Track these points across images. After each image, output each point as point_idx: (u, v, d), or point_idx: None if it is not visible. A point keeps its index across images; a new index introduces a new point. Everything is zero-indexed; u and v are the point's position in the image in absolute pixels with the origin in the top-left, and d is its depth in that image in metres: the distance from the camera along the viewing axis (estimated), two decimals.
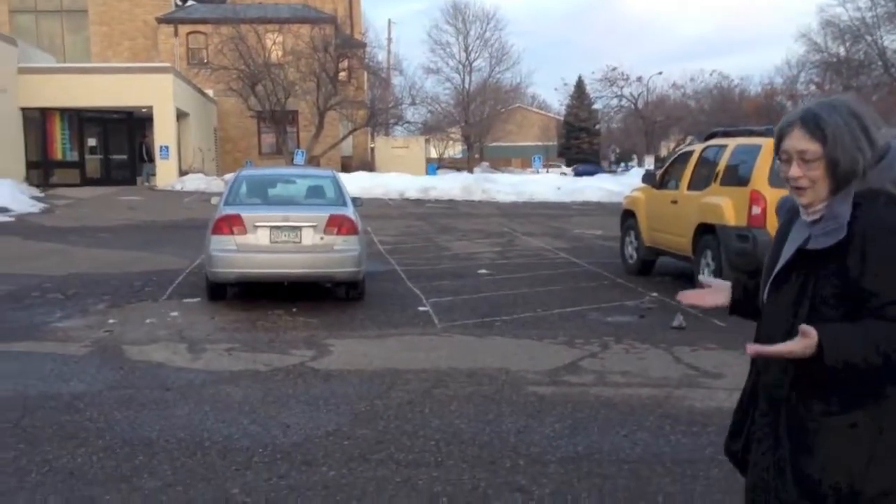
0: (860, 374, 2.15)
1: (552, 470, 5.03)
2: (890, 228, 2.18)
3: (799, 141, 2.29)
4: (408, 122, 46.95)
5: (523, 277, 12.73)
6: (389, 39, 63.82)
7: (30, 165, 30.39)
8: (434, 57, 61.72)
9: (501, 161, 75.19)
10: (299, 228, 9.97)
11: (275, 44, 38.54)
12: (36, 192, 27.08)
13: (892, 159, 2.29)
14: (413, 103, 45.33)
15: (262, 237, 9.92)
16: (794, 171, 2.30)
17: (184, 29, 42.29)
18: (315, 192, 11.32)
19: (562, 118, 78.25)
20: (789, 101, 56.04)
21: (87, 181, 31.40)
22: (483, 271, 13.34)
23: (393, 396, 6.53)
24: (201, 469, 4.97)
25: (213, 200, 11.39)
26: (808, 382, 2.26)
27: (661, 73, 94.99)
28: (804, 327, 2.15)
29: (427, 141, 73.47)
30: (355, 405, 6.29)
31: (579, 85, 71.37)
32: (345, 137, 41.40)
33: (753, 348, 2.22)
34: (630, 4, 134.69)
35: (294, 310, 10.05)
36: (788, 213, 2.49)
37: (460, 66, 61.41)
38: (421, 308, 10.33)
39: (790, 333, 2.27)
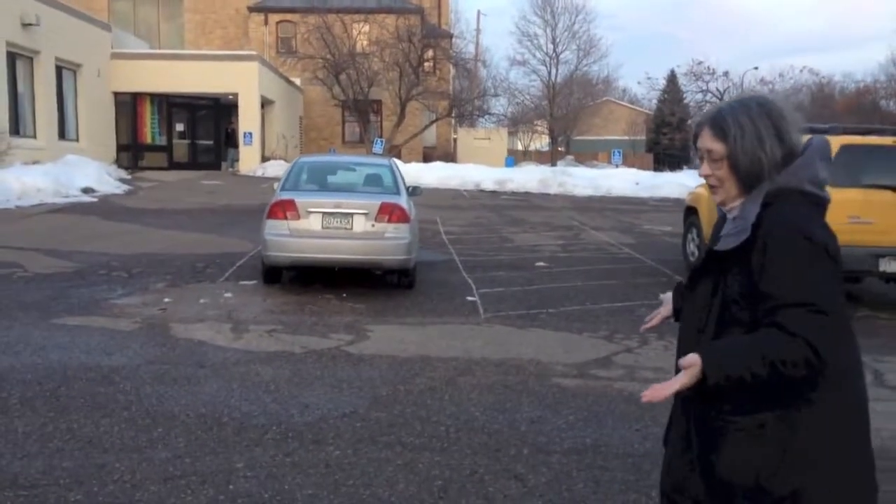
0: (753, 384, 2.12)
1: (555, 460, 5.04)
2: (787, 228, 2.16)
3: (706, 140, 2.34)
4: (490, 114, 46.89)
5: (580, 271, 12.67)
6: (478, 30, 63.77)
7: (120, 148, 31.44)
8: (521, 48, 61.28)
9: (588, 155, 74.44)
10: (351, 215, 10.13)
11: (360, 33, 38.97)
12: (124, 174, 28.04)
13: (809, 157, 2.27)
14: (495, 95, 45.21)
15: (314, 223, 10.11)
16: (704, 169, 2.35)
17: (273, 18, 43.11)
18: (370, 180, 11.47)
19: (651, 112, 77.04)
20: (892, 101, 54.14)
21: (174, 165, 32.35)
22: (541, 264, 13.32)
23: (417, 382, 6.62)
24: (213, 443, 5.15)
25: (274, 186, 11.65)
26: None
27: (756, 69, 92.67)
28: (682, 360, 2.16)
29: (513, 133, 73.39)
30: (378, 389, 6.40)
31: (671, 79, 70.07)
32: (425, 128, 41.62)
33: (647, 396, 2.21)
34: (726, 1, 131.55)
35: (344, 295, 10.23)
36: (721, 212, 2.48)
37: (547, 58, 60.79)
38: (469, 298, 10.39)
39: (702, 332, 2.28)
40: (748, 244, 2.19)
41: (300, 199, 10.23)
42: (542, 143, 74.83)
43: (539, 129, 68.95)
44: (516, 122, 66.71)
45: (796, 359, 2.07)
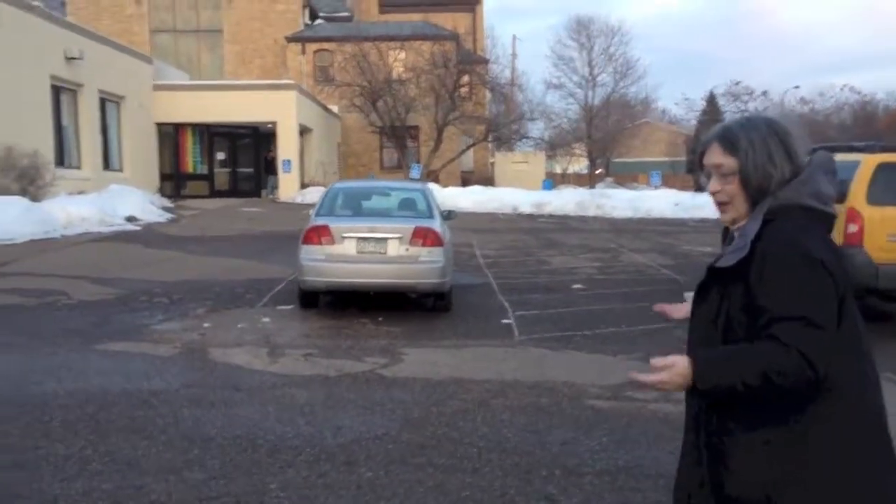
0: (745, 395, 2.14)
1: (586, 481, 5.05)
2: (784, 244, 2.18)
3: (715, 156, 2.35)
4: (526, 138, 47.00)
5: (617, 293, 12.63)
6: (514, 55, 64.08)
7: (163, 177, 31.99)
8: (557, 72, 61.42)
9: (628, 177, 74.16)
10: (385, 240, 10.23)
11: (396, 60, 39.36)
12: (167, 202, 28.51)
13: (810, 173, 2.29)
14: (532, 119, 45.33)
15: (349, 247, 10.23)
16: (713, 185, 2.36)
17: (311, 47, 43.67)
18: (404, 205, 11.58)
19: (691, 133, 76.64)
20: None
21: (215, 193, 32.81)
22: (577, 286, 13.31)
23: (449, 404, 6.66)
24: (248, 464, 5.23)
25: (310, 212, 11.80)
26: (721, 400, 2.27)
27: (797, 87, 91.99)
28: (664, 359, 2.18)
29: (551, 157, 73.38)
30: (410, 411, 6.45)
31: (710, 99, 69.70)
32: (462, 153, 41.82)
33: (633, 375, 2.27)
34: (765, 18, 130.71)
35: (380, 319, 10.31)
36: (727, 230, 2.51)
37: (584, 81, 60.89)
38: (504, 321, 10.42)
39: (708, 341, 2.30)
40: (748, 260, 2.21)
41: (335, 225, 10.36)
42: (580, 165, 74.75)
43: (577, 152, 68.92)
44: (554, 146, 66.79)
45: (788, 369, 2.09)
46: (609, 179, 65.97)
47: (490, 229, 23.11)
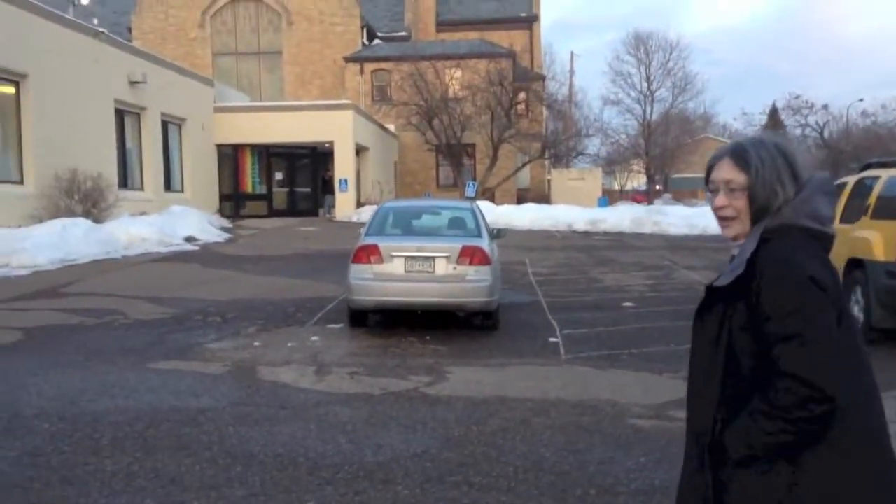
0: (782, 441, 2.19)
1: (621, 501, 5.05)
2: (778, 262, 2.20)
3: (726, 171, 2.39)
4: (582, 154, 46.86)
5: (668, 311, 12.53)
6: (571, 71, 64.08)
7: (223, 198, 32.65)
8: (614, 88, 61.24)
9: (687, 193, 73.49)
10: (433, 258, 10.32)
11: (452, 79, 39.63)
12: (225, 222, 29.06)
13: (809, 193, 2.32)
14: (588, 135, 45.21)
15: (397, 266, 10.34)
16: (720, 200, 2.39)
17: (369, 67, 44.22)
18: (452, 224, 11.66)
19: None
20: None
21: (273, 212, 33.36)
22: (628, 304, 13.24)
23: (490, 423, 6.70)
24: (287, 482, 5.33)
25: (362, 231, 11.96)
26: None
27: (861, 100, 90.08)
28: None
29: (609, 173, 72.96)
30: (451, 430, 6.50)
31: (772, 114, 68.74)
32: (518, 170, 41.87)
33: None
34: (825, 31, 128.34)
35: (427, 337, 10.39)
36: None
37: (641, 97, 60.56)
38: (552, 339, 10.42)
39: (709, 372, 2.32)
40: (746, 279, 2.24)
41: (383, 244, 10.48)
42: (639, 182, 74.23)
43: (636, 168, 68.44)
44: (612, 162, 66.41)
45: (795, 400, 2.11)
46: (667, 196, 65.45)
47: (543, 247, 23.08)
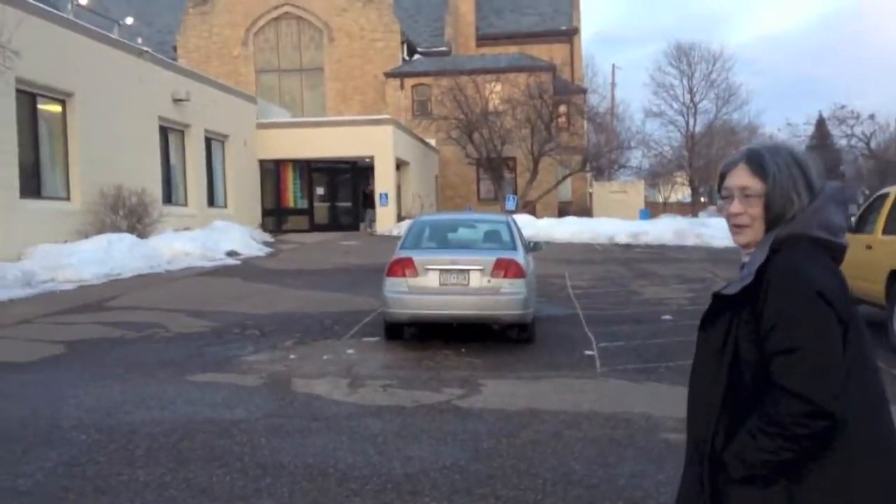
0: (783, 458, 2.16)
1: None
2: (785, 273, 2.18)
3: (742, 178, 2.35)
4: (623, 167, 46.60)
5: None
6: (613, 84, 63.88)
7: (265, 213, 32.99)
8: (657, 100, 60.83)
9: None
10: (467, 271, 10.33)
11: (492, 93, 39.70)
12: (267, 237, 29.36)
13: (822, 202, 2.29)
14: (629, 147, 44.97)
15: (431, 279, 10.37)
16: (735, 206, 2.36)
17: (409, 82, 44.46)
18: (487, 237, 11.68)
19: None
20: None
21: (315, 227, 33.62)
22: (667, 317, 13.12)
23: (522, 436, 6.68)
24: (315, 493, 5.36)
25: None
26: (739, 427, 2.26)
27: None
28: None
29: (653, 186, 72.41)
30: (481, 442, 6.49)
31: (819, 124, 67.77)
32: (558, 183, 41.77)
33: None
34: (871, 40, 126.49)
35: (462, 350, 10.39)
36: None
37: (684, 108, 60.08)
38: (588, 352, 10.37)
39: (712, 381, 2.29)
40: (754, 289, 2.22)
41: (418, 257, 10.52)
42: (683, 194, 73.58)
43: (679, 180, 67.86)
44: (655, 175, 65.94)
45: (793, 416, 2.09)
46: (712, 208, 64.70)
47: (584, 260, 22.97)
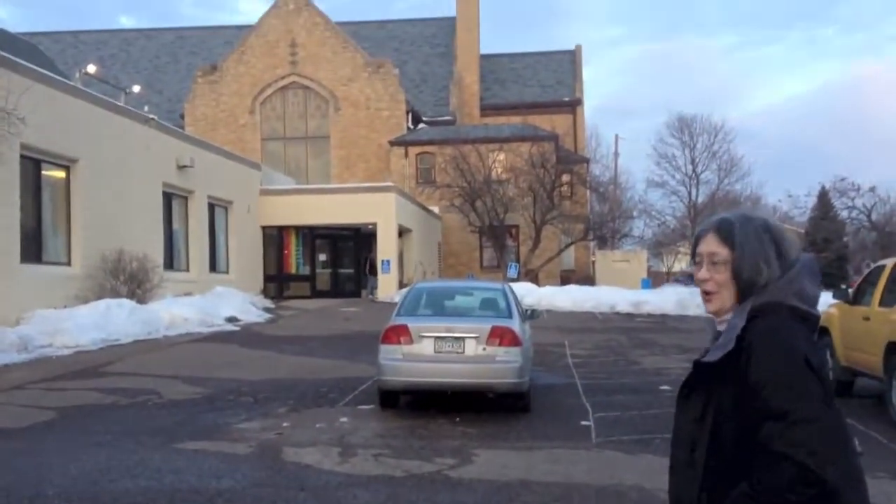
0: None
1: None
2: (769, 340, 2.19)
3: (710, 244, 2.38)
4: (626, 236, 46.72)
5: None
6: (616, 154, 64.35)
7: (267, 279, 33.00)
8: (659, 170, 61.20)
9: None
10: (462, 339, 10.28)
11: (495, 161, 40.05)
12: (269, 303, 29.32)
13: (797, 272, 2.30)
14: (631, 217, 45.15)
15: (426, 347, 10.31)
16: (703, 273, 2.37)
17: (413, 150, 44.92)
18: (483, 305, 11.64)
19: (803, 230, 74.73)
20: None
21: (316, 293, 33.58)
22: (665, 388, 12.98)
23: None
24: None
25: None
26: (722, 491, 2.21)
27: None
28: None
29: (657, 255, 72.45)
30: None
31: (822, 195, 68.03)
32: (561, 251, 41.87)
33: None
34: (872, 113, 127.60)
35: (457, 419, 10.28)
36: (712, 325, 2.49)
37: (687, 179, 60.40)
38: (584, 422, 10.24)
39: (693, 447, 2.27)
40: (734, 356, 2.20)
41: (413, 324, 10.48)
42: (686, 264, 73.61)
43: (683, 250, 67.95)
44: (658, 244, 66.01)
45: (786, 482, 2.06)
46: None
47: (584, 328, 22.88)
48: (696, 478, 2.27)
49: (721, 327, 2.36)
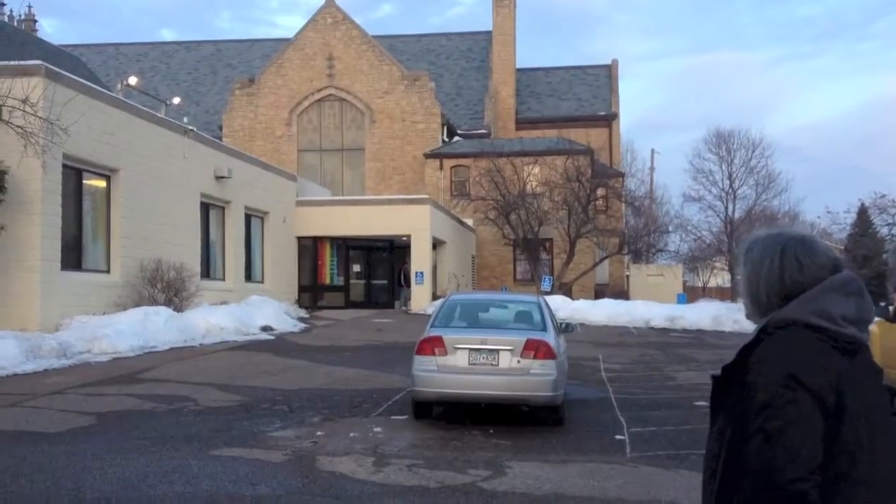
0: None
1: None
2: (763, 358, 2.20)
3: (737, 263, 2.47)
4: (661, 251, 46.41)
5: None
6: (652, 168, 64.04)
7: (301, 289, 33.20)
8: (696, 185, 60.76)
9: None
10: (497, 351, 10.28)
11: (530, 175, 40.01)
12: (303, 313, 29.49)
13: (820, 290, 2.29)
14: (667, 231, 44.86)
15: (461, 359, 10.32)
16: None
17: (448, 163, 45.00)
18: (518, 317, 11.63)
19: (842, 247, 73.75)
20: None
21: (350, 304, 33.73)
22: (701, 403, 12.85)
23: None
24: None
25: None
26: None
27: None
28: None
29: (692, 270, 71.88)
30: None
31: (861, 213, 67.12)
32: (595, 265, 41.68)
33: None
34: None
35: (491, 431, 10.27)
36: None
37: (723, 194, 59.92)
38: (618, 436, 10.19)
39: (718, 458, 2.28)
40: (736, 370, 2.25)
41: (448, 336, 10.50)
42: (722, 279, 72.95)
43: (719, 265, 67.36)
44: (694, 259, 65.52)
45: (753, 500, 2.10)
46: None
47: (618, 343, 22.76)
48: (713, 491, 2.30)
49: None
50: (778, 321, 2.27)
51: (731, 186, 60.43)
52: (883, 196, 48.28)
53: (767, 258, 2.35)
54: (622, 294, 43.68)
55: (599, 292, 42.60)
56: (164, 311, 19.50)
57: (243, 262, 28.26)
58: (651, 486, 7.78)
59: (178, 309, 20.76)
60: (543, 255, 41.88)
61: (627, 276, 49.95)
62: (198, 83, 55.75)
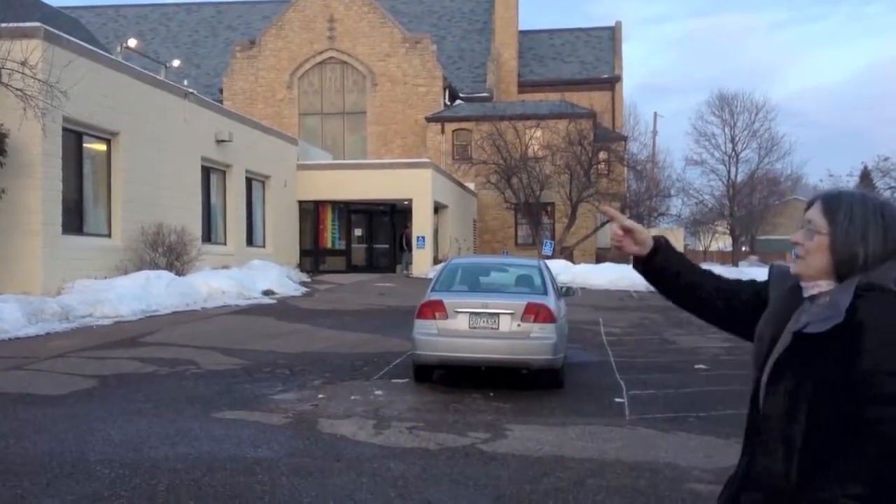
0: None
1: None
2: (886, 317, 2.17)
3: (813, 212, 2.35)
4: (663, 215, 46.34)
5: (740, 374, 12.17)
6: (654, 132, 63.76)
7: (303, 253, 33.24)
8: (698, 148, 60.65)
9: (774, 255, 71.87)
10: (497, 315, 10.31)
11: (532, 138, 39.86)
12: (304, 277, 29.54)
13: None
14: (669, 195, 44.77)
15: (461, 322, 10.35)
16: (796, 235, 2.37)
17: (450, 126, 44.82)
18: (519, 281, 11.65)
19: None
20: None
21: (352, 268, 33.80)
22: (700, 366, 12.95)
23: (544, 482, 6.60)
24: None
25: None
26: (818, 466, 2.20)
27: None
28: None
29: (694, 234, 71.88)
30: (503, 488, 6.43)
31: (864, 176, 66.95)
32: (597, 229, 41.65)
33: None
34: None
35: (491, 394, 10.33)
36: (785, 285, 2.46)
37: (726, 158, 59.82)
38: (617, 399, 10.25)
39: (792, 420, 2.25)
40: (841, 330, 2.19)
41: (448, 300, 10.52)
42: (724, 243, 72.99)
43: (720, 229, 67.38)
44: (695, 223, 65.53)
45: (892, 467, 2.07)
46: (753, 258, 64.09)
47: (619, 307, 22.82)
48: (791, 450, 2.25)
49: (810, 292, 2.34)
50: (868, 285, 2.23)
51: (733, 150, 60.39)
52: (886, 159, 48.10)
53: (872, 219, 2.28)
54: (624, 258, 43.66)
55: (601, 256, 42.60)
56: (165, 275, 19.53)
57: (244, 226, 28.25)
58: (649, 449, 7.83)
59: (180, 273, 20.79)
60: (545, 220, 41.86)
61: None
62: (198, 45, 55.40)
